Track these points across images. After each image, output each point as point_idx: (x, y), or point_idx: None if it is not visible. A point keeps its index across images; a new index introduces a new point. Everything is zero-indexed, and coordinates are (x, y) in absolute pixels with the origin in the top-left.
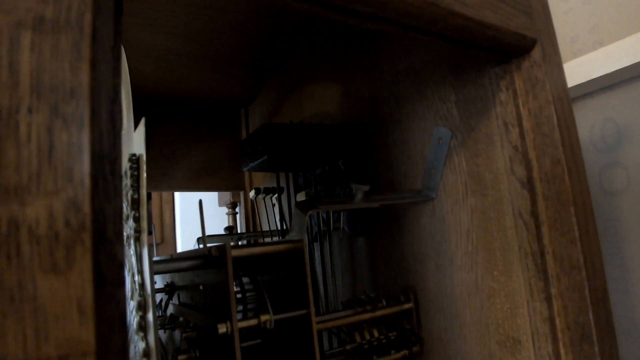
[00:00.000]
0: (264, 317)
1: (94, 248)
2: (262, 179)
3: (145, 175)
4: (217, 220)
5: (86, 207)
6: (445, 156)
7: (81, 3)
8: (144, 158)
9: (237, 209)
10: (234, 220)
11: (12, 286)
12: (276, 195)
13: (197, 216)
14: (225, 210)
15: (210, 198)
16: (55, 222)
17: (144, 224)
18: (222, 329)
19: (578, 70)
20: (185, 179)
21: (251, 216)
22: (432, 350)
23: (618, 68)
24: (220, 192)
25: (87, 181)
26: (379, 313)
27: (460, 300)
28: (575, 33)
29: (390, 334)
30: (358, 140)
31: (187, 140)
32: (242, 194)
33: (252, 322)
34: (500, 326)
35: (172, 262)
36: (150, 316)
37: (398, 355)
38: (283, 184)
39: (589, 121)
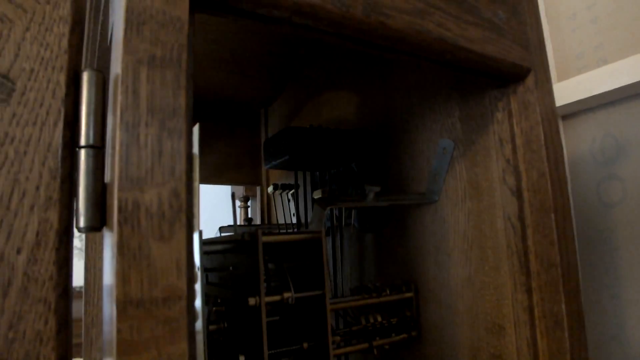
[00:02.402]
0: (286, 294)
1: (187, 224)
2: (278, 176)
3: (197, 170)
4: (224, 213)
5: (182, 195)
6: (448, 165)
7: (180, 46)
8: (197, 157)
9: (249, 202)
10: (246, 212)
11: (135, 248)
12: (292, 191)
13: (205, 209)
14: (229, 203)
15: (220, 191)
16: (163, 205)
17: (196, 211)
18: (251, 301)
19: (582, 86)
20: (208, 173)
21: (266, 209)
22: (429, 335)
23: (620, 85)
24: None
25: (183, 177)
26: (383, 299)
27: (455, 292)
28: (581, 50)
29: (391, 320)
30: (371, 145)
31: (210, 137)
32: (258, 188)
33: (276, 297)
34: (488, 314)
35: (211, 244)
36: (198, 285)
37: (398, 337)
38: (299, 181)
39: (590, 135)
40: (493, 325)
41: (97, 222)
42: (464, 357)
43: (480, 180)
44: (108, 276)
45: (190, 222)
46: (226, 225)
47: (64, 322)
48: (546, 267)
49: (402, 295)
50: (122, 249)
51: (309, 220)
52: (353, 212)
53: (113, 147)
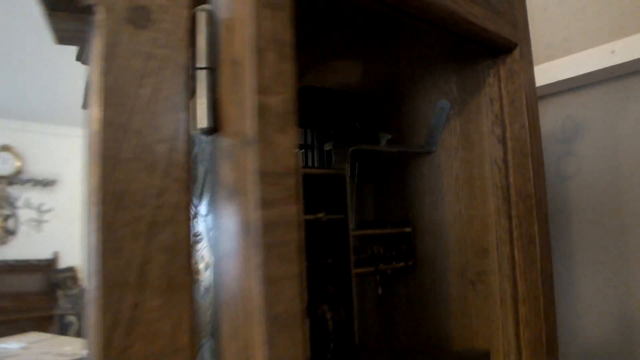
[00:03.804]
0: (319, 214)
1: (295, 124)
2: None
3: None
4: None
5: (292, 102)
6: (445, 121)
7: None
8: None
9: None
10: None
11: (267, 136)
12: (302, 150)
13: None
14: None
15: None
16: (283, 107)
17: None
18: None
19: (549, 72)
20: None
21: None
22: (423, 264)
23: (581, 73)
24: None
25: (294, 88)
26: (386, 231)
27: (447, 225)
28: (550, 40)
29: (392, 251)
30: (375, 106)
31: None
32: None
33: (310, 216)
34: (475, 241)
35: None
36: None
37: (398, 265)
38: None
39: (553, 116)
40: (478, 249)
41: (212, 125)
42: (454, 277)
43: (472, 134)
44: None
45: (296, 121)
46: None
47: (190, 197)
48: (523, 198)
49: (402, 230)
50: (260, 136)
51: None
52: (356, 165)
53: (242, 66)
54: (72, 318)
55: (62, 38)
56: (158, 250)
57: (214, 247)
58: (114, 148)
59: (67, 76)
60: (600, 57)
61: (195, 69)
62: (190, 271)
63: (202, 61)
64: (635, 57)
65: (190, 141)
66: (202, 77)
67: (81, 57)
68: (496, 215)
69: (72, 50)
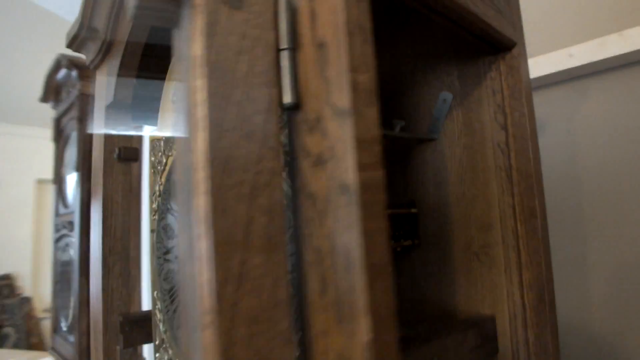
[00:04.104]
0: None
1: (375, 97)
2: None
3: None
4: None
5: (373, 81)
6: (447, 111)
7: None
8: None
9: None
10: None
11: (358, 109)
12: None
13: None
14: None
15: None
16: (369, 84)
17: None
18: None
19: None
20: None
21: None
22: (429, 242)
23: (542, 74)
24: None
25: (374, 70)
26: (395, 212)
27: (451, 205)
28: None
29: (400, 231)
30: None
31: None
32: None
33: None
34: (478, 218)
35: None
36: None
37: (406, 242)
38: None
39: None
40: (482, 224)
41: (296, 100)
42: (458, 252)
43: (473, 122)
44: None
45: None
46: None
47: (282, 163)
48: (525, 177)
49: (408, 210)
50: (354, 108)
51: None
52: None
53: (331, 48)
54: (9, 329)
55: (138, 15)
56: (259, 211)
57: (293, 213)
58: (218, 117)
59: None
60: (559, 60)
61: (278, 49)
62: (284, 232)
63: (284, 43)
64: (591, 60)
65: (280, 113)
66: (284, 57)
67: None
68: (500, 193)
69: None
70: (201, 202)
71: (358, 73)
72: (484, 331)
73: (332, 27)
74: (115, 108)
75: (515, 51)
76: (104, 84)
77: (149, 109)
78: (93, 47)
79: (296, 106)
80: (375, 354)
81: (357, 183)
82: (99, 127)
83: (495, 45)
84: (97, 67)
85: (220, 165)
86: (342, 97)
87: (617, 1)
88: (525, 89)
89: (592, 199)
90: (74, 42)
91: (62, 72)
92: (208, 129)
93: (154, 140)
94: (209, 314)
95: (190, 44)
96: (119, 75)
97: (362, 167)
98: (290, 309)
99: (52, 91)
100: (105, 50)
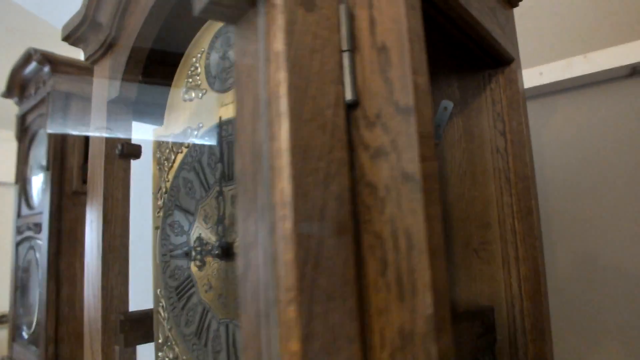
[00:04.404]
0: None
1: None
2: None
3: None
4: None
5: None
6: (447, 119)
7: None
8: None
9: None
10: None
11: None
12: None
13: None
14: None
15: None
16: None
17: None
18: None
19: None
20: None
21: None
22: None
23: None
24: None
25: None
26: None
27: (451, 206)
28: None
29: None
30: None
31: None
32: None
33: None
34: (477, 216)
35: None
36: None
37: None
38: None
39: None
40: (482, 223)
41: (355, 98)
42: (458, 249)
43: (473, 129)
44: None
45: (431, 98)
46: None
47: (348, 155)
48: (522, 179)
49: None
50: (416, 106)
51: None
52: None
53: (392, 52)
54: None
55: (207, 10)
56: (331, 197)
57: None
58: (298, 109)
59: None
60: (530, 77)
61: (340, 51)
62: (351, 217)
63: (344, 45)
64: (559, 79)
65: (346, 108)
66: (345, 58)
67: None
68: (498, 194)
69: None
70: (285, 186)
71: (418, 75)
72: (485, 321)
73: (394, 33)
74: (117, 104)
75: (513, 65)
76: (105, 79)
77: (152, 107)
78: (94, 42)
79: (355, 103)
80: (435, 327)
81: (420, 172)
82: (99, 122)
83: (497, 59)
84: (96, 61)
85: (300, 153)
86: (405, 96)
87: (583, 26)
88: (522, 100)
89: (557, 208)
90: (74, 35)
91: (31, 67)
92: (289, 119)
93: (160, 137)
94: (292, 290)
95: (270, 40)
96: (125, 71)
97: (423, 158)
98: (356, 287)
99: (17, 86)
100: (108, 46)
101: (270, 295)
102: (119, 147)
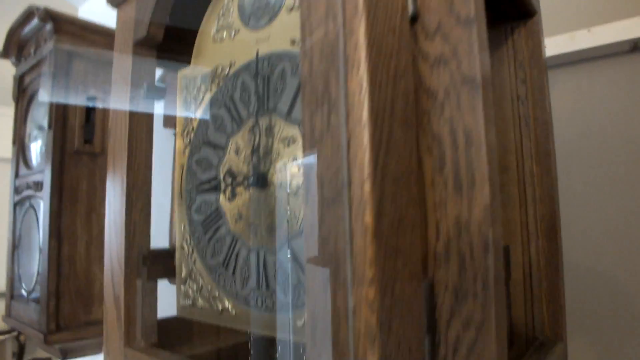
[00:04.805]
0: None
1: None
2: None
3: None
4: None
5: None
6: None
7: None
8: None
9: None
10: None
11: None
12: None
13: None
14: None
15: None
16: None
17: None
18: None
19: None
20: None
21: None
22: None
23: None
24: None
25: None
26: None
27: None
28: None
29: None
30: None
31: None
32: None
33: None
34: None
35: None
36: None
37: None
38: None
39: None
40: (499, 167)
41: (415, 12)
42: None
43: (493, 77)
44: None
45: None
46: None
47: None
48: (541, 124)
49: None
50: (477, 18)
51: None
52: None
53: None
54: None
55: None
56: (399, 93)
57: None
58: (372, 11)
59: None
60: None
61: None
62: (414, 113)
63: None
64: (562, 52)
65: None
66: None
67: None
68: (518, 139)
69: None
70: (362, 76)
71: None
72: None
73: None
74: (143, 45)
75: (536, 18)
76: (131, 19)
77: (178, 48)
78: None
79: (415, 18)
80: (491, 215)
81: (481, 76)
82: (124, 64)
83: (522, 11)
84: (120, 4)
85: (375, 49)
86: (467, 7)
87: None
88: (542, 52)
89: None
90: None
91: (32, 25)
92: (365, 18)
93: (187, 77)
94: (367, 168)
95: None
96: (154, 11)
97: (482, 64)
98: (417, 179)
99: (15, 46)
100: None
101: (340, 180)
102: (144, 86)
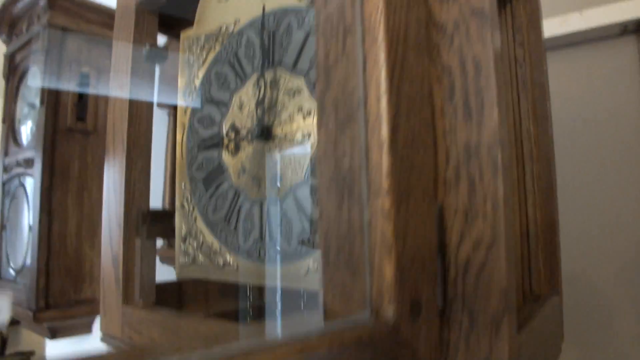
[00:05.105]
0: None
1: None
2: None
3: None
4: None
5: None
6: None
7: None
8: None
9: None
10: None
11: None
12: None
13: None
14: None
15: None
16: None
17: None
18: None
19: None
20: None
21: None
22: None
23: None
24: None
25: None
26: None
27: None
28: None
29: None
30: None
31: None
32: None
33: None
34: None
35: None
36: None
37: None
38: None
39: None
40: None
41: None
42: None
43: None
44: None
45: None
46: None
47: None
48: (537, 85)
49: None
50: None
51: None
52: None
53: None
54: None
55: None
56: (412, 19)
57: None
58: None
59: None
60: None
61: None
62: (428, 40)
63: None
64: (554, 34)
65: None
66: None
67: None
68: (515, 101)
69: None
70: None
71: None
72: None
73: None
74: (146, 6)
75: None
76: None
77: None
78: None
79: None
80: (500, 138)
81: (489, 8)
82: (126, 26)
83: None
84: None
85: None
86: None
87: None
88: (540, 18)
89: None
90: None
91: (25, 1)
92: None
93: (190, 38)
94: (383, 84)
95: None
96: None
97: None
98: (429, 102)
99: (6, 23)
100: None
101: (356, 99)
102: (146, 47)
